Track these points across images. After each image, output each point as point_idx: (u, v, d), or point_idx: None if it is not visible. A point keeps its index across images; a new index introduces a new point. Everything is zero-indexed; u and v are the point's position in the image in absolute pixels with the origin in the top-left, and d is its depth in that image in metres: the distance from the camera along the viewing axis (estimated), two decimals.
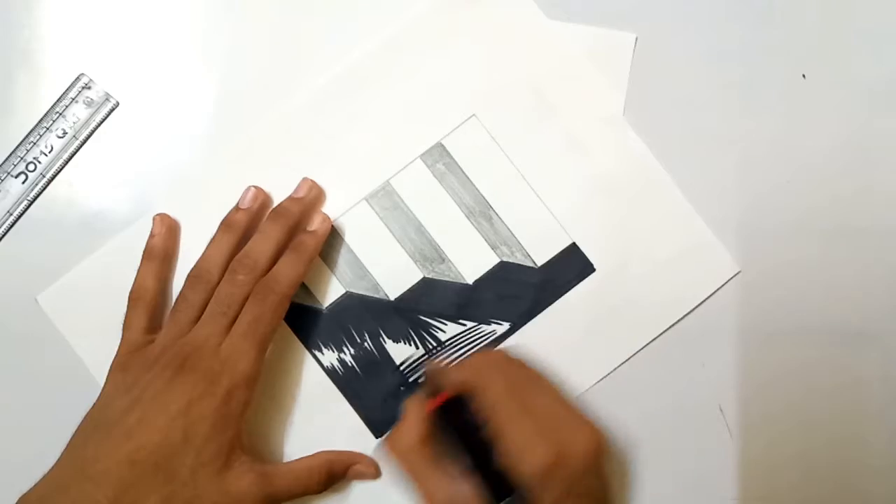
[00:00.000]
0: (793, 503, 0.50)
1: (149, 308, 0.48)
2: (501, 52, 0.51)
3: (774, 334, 0.50)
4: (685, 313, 0.50)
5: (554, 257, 0.50)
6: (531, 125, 0.50)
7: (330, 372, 0.50)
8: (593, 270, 0.50)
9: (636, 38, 0.50)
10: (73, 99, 0.50)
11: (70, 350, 0.50)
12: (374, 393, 0.50)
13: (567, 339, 0.50)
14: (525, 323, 0.50)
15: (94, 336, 0.49)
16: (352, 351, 0.50)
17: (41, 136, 0.49)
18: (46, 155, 0.49)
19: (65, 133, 0.49)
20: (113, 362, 0.47)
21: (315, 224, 0.49)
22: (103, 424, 0.44)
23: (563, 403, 0.45)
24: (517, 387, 0.44)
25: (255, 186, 0.49)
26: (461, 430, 0.44)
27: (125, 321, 0.48)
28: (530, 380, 0.45)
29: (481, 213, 0.50)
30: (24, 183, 0.50)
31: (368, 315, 0.50)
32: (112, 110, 0.50)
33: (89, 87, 0.50)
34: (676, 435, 0.50)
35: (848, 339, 0.50)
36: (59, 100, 0.50)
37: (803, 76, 0.51)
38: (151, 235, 0.49)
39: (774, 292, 0.50)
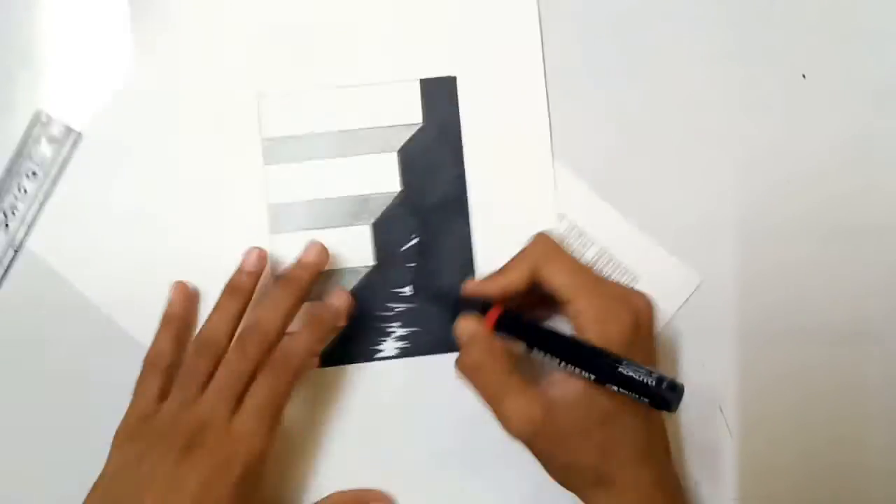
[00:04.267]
0: (793, 503, 0.50)
1: (164, 374, 0.46)
2: None
3: (774, 334, 0.50)
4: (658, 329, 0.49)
5: None
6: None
7: (401, 353, 0.50)
8: None
9: None
10: (36, 139, 0.49)
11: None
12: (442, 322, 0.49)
13: None
14: None
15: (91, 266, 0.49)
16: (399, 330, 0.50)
17: (12, 181, 0.49)
18: (22, 200, 0.49)
19: (35, 174, 0.49)
20: (119, 428, 0.45)
21: (335, 301, 0.48)
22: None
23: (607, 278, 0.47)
24: (579, 262, 0.45)
25: (257, 248, 0.48)
26: (521, 337, 0.44)
27: (137, 385, 0.46)
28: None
29: None
30: (6, 232, 0.49)
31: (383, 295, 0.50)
32: (76, 142, 0.49)
33: (49, 124, 0.49)
34: (676, 435, 0.50)
35: (848, 339, 0.50)
36: (22, 142, 0.49)
37: (803, 76, 0.50)
38: (170, 303, 0.48)
39: (774, 292, 0.50)
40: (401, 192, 0.50)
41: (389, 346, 0.50)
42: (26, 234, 0.49)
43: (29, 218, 0.49)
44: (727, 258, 0.50)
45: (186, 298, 0.49)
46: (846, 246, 0.50)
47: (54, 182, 0.49)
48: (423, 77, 0.50)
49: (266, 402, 0.44)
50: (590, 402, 0.42)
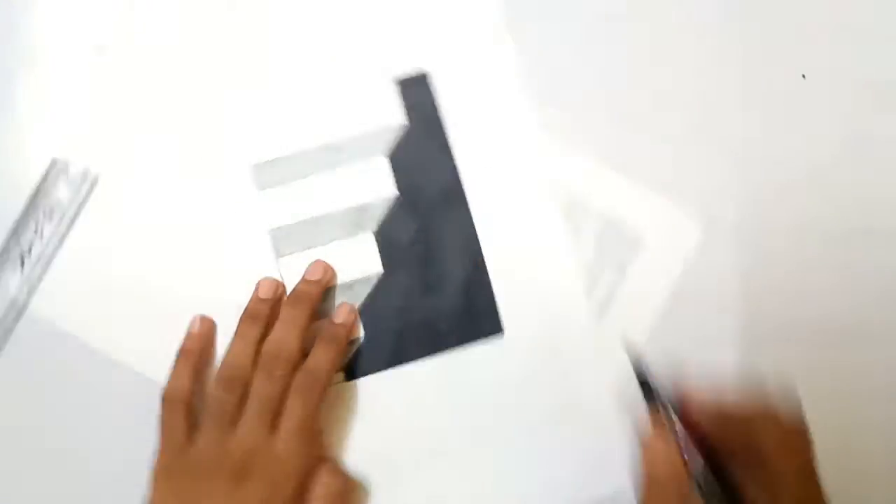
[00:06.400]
0: None
1: (186, 408, 0.46)
2: None
3: (774, 335, 0.50)
4: None
5: None
6: None
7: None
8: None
9: None
10: (53, 182, 0.49)
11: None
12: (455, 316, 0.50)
13: None
14: None
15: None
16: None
17: (29, 222, 0.49)
18: (40, 239, 0.49)
19: (52, 215, 0.49)
20: (157, 467, 0.45)
21: (342, 317, 0.48)
22: None
23: None
24: (807, 473, 0.39)
25: (269, 278, 0.49)
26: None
27: (163, 422, 0.45)
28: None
29: None
30: (22, 272, 0.49)
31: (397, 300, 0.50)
32: (93, 185, 0.49)
33: (66, 168, 0.49)
34: None
35: (848, 339, 0.50)
36: (39, 185, 0.49)
37: (803, 76, 0.50)
38: (189, 336, 0.48)
39: (774, 293, 0.50)
40: (397, 196, 0.50)
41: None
42: (41, 275, 0.49)
43: (45, 258, 0.49)
44: (727, 258, 0.50)
45: (203, 331, 0.48)
46: (846, 246, 0.50)
47: (71, 224, 0.49)
48: (399, 77, 0.51)
49: (301, 422, 0.45)
50: None
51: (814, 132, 0.50)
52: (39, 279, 0.49)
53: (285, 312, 0.47)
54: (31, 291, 0.49)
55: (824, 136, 0.50)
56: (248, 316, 0.48)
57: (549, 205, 0.50)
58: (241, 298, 0.48)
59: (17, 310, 0.49)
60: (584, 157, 0.50)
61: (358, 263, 0.50)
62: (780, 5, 0.50)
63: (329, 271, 0.49)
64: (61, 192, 0.49)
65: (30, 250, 0.49)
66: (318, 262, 0.49)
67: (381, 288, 0.50)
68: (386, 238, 0.50)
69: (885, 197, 0.50)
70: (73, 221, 0.49)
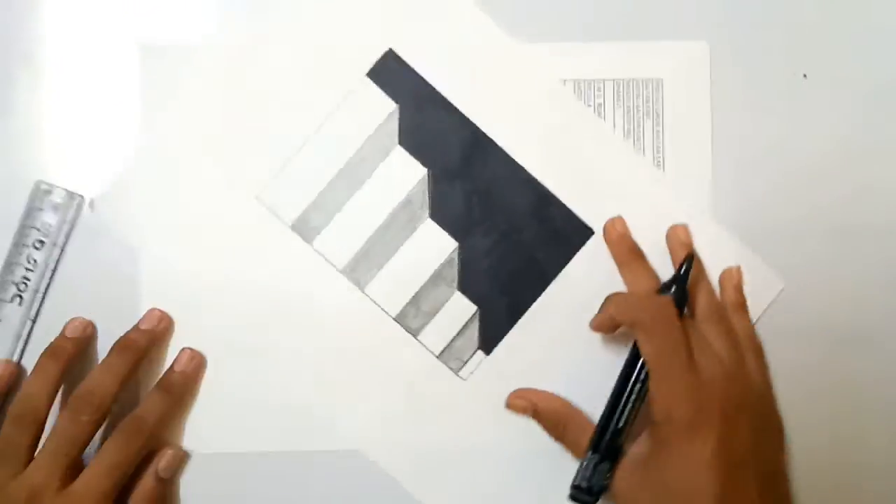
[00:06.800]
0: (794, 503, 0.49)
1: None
2: None
3: (774, 334, 0.50)
4: None
5: None
6: None
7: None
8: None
9: None
10: (39, 208, 0.48)
11: None
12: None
13: None
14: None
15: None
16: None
17: (20, 253, 0.48)
18: (33, 270, 0.48)
19: (42, 243, 0.48)
20: None
21: (182, 364, 0.47)
22: None
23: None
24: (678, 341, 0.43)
25: (79, 318, 0.47)
26: None
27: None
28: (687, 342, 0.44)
29: None
30: (20, 305, 0.48)
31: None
32: (79, 207, 0.49)
33: (50, 192, 0.48)
34: None
35: (848, 339, 0.50)
36: (25, 214, 0.48)
37: (804, 76, 0.50)
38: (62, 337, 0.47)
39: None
40: (428, 172, 0.50)
41: None
42: (41, 304, 0.48)
43: (42, 288, 0.48)
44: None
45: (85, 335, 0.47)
46: (846, 246, 0.50)
47: (62, 249, 0.49)
48: (368, 70, 0.50)
49: (114, 465, 0.43)
50: None
51: (814, 132, 0.50)
52: (39, 308, 0.48)
53: (108, 358, 0.46)
54: (33, 322, 0.49)
55: (825, 135, 0.50)
56: (50, 351, 0.46)
57: (565, 97, 0.50)
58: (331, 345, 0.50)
59: (24, 343, 0.48)
60: (570, 42, 0.50)
61: (433, 251, 0.50)
62: (780, 5, 0.50)
63: (164, 320, 0.48)
64: (49, 217, 0.48)
65: (25, 282, 0.48)
66: (153, 310, 0.48)
67: (466, 259, 0.50)
68: (443, 214, 0.50)
69: (885, 196, 0.50)
70: (63, 247, 0.49)
